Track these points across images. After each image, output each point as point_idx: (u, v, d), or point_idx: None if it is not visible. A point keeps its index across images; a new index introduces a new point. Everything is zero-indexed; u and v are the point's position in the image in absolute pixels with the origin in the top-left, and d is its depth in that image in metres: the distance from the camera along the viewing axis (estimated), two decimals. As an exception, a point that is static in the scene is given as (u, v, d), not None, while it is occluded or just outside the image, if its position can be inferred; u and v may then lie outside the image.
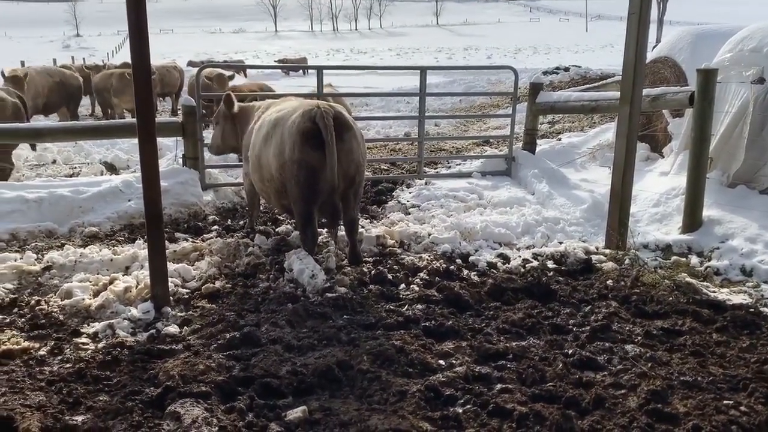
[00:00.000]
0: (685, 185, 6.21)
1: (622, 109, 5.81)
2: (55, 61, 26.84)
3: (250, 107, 6.42)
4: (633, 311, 4.54)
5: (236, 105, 6.39)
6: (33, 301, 4.65)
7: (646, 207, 6.92)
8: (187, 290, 4.96)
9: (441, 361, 3.76)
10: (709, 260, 5.61)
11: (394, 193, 8.23)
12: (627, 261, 5.50)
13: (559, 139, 11.16)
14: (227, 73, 12.74)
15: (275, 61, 39.86)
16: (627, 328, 4.26)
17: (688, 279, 5.06)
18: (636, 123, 5.79)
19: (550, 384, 3.47)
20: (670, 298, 4.68)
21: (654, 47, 10.26)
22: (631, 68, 5.64)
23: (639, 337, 4.10)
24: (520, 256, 5.80)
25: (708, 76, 5.99)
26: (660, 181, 7.44)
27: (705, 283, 5.11)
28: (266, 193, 5.64)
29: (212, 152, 7.07)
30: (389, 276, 5.19)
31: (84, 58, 28.87)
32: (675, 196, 6.79)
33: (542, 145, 9.96)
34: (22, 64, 28.27)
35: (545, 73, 20.63)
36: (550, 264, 5.59)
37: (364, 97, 18.69)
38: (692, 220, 6.12)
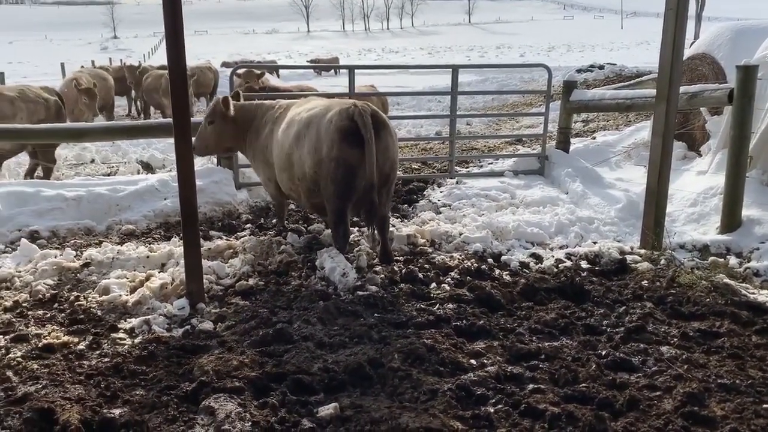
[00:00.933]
0: (723, 184, 6.07)
1: (659, 107, 5.70)
2: (93, 62, 27.42)
3: (254, 108, 6.31)
4: (669, 312, 4.46)
5: (232, 106, 6.17)
6: (72, 297, 4.77)
7: (682, 207, 6.79)
8: (221, 287, 5.03)
9: (472, 361, 3.75)
10: (749, 261, 5.48)
11: (425, 192, 8.22)
12: (663, 261, 5.40)
13: (594, 138, 11.00)
14: (257, 71, 13.08)
15: (308, 61, 40.12)
16: (662, 329, 4.19)
17: (727, 280, 4.95)
18: (673, 121, 5.69)
19: (583, 385, 3.43)
20: (708, 300, 4.58)
21: (692, 44, 10.05)
22: (668, 65, 5.54)
23: (675, 339, 4.02)
24: (553, 256, 5.75)
25: (748, 73, 5.85)
26: (697, 180, 7.28)
27: (744, 285, 4.99)
28: (296, 192, 5.67)
29: (197, 153, 6.30)
30: (420, 275, 5.19)
31: (121, 60, 29.43)
32: (713, 195, 6.65)
33: (576, 143, 9.84)
34: (63, 66, 29.01)
35: (579, 71, 20.42)
36: (584, 264, 5.52)
37: (395, 96, 18.69)
38: (731, 219, 5.98)
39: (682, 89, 6.30)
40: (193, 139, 6.02)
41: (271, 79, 16.01)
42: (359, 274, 5.14)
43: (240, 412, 3.14)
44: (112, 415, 3.13)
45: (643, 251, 5.73)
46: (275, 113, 6.04)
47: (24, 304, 4.63)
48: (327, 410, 3.18)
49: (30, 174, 8.87)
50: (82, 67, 20.63)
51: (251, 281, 5.10)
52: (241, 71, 11.80)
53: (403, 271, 5.27)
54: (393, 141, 5.30)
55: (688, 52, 8.83)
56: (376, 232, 5.65)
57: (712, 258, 5.59)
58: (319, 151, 5.11)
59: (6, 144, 7.93)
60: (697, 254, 5.79)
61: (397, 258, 5.66)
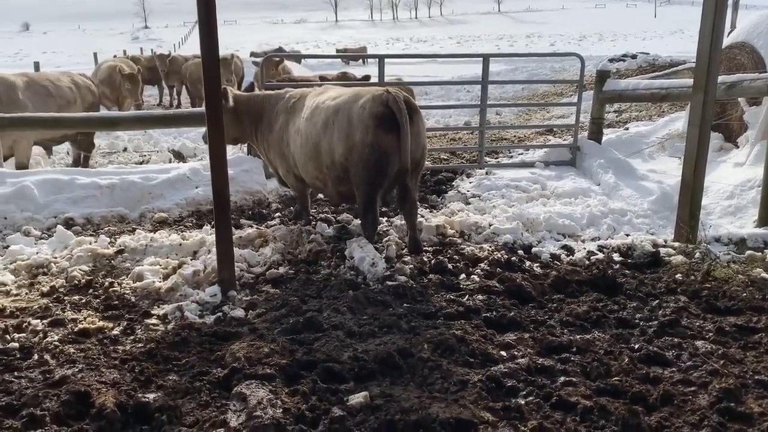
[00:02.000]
0: (761, 177, 5.93)
1: (695, 98, 5.58)
2: (125, 52, 27.78)
3: (261, 100, 6.23)
4: (704, 306, 4.38)
5: (231, 98, 6.06)
6: (107, 283, 4.85)
7: (718, 199, 6.65)
8: (252, 275, 5.07)
9: (503, 352, 3.73)
10: (787, 255, 5.35)
11: (453, 183, 8.17)
12: (697, 255, 5.30)
13: (626, 129, 10.81)
14: (276, 58, 13.28)
15: (336, 51, 40.09)
16: (697, 323, 4.11)
17: (764, 274, 4.84)
18: (710, 112, 5.56)
19: (616, 378, 3.39)
20: (744, 294, 4.49)
21: (729, 32, 9.79)
22: (706, 54, 5.41)
23: (710, 334, 3.95)
24: (584, 248, 5.68)
25: (790, 62, 5.68)
26: (734, 173, 7.12)
27: (782, 280, 4.87)
28: (322, 181, 5.63)
29: (206, 142, 6.54)
30: (449, 266, 5.17)
31: (152, 50, 29.76)
32: (750, 188, 6.50)
33: (608, 134, 9.68)
34: (95, 55, 29.45)
35: (611, 60, 20.07)
36: (616, 257, 5.44)
37: (424, 86, 18.59)
38: (769, 213, 5.84)
39: (720, 79, 6.15)
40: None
41: (294, 69, 16.09)
42: (388, 264, 5.14)
43: (271, 399, 3.16)
44: (147, 399, 3.18)
45: (677, 244, 5.62)
46: (287, 103, 5.98)
47: (60, 290, 4.73)
48: (357, 399, 3.18)
49: (76, 163, 9.05)
50: (115, 56, 20.91)
51: (281, 270, 5.14)
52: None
53: (433, 261, 5.26)
54: (424, 127, 5.39)
55: (726, 42, 8.60)
56: (404, 222, 5.65)
57: (749, 252, 5.47)
58: (352, 138, 5.12)
59: (52, 133, 8.10)
60: (733, 248, 5.67)
61: (426, 248, 5.64)
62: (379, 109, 5.02)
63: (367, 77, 12.80)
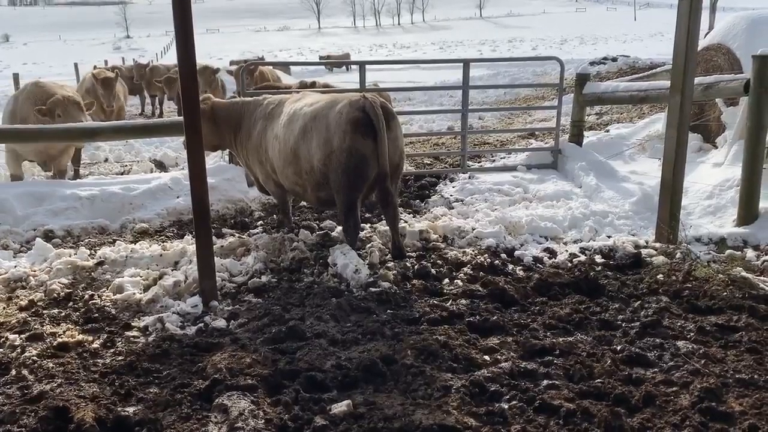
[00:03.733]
0: (740, 176, 6.00)
1: (673, 99, 5.63)
2: (106, 62, 27.58)
3: (240, 107, 6.25)
4: (685, 306, 4.40)
5: (210, 103, 6.20)
6: (87, 296, 4.80)
7: (698, 199, 6.71)
8: (234, 284, 5.04)
9: (486, 357, 3.72)
10: (767, 254, 5.40)
11: (437, 188, 8.18)
12: (678, 255, 5.33)
13: (607, 131, 10.90)
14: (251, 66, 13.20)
15: (319, 58, 40.10)
16: (679, 323, 4.14)
17: (744, 273, 4.88)
18: (687, 113, 5.61)
19: (599, 380, 3.40)
20: (725, 293, 4.52)
21: (706, 34, 9.90)
22: (682, 56, 5.46)
23: (691, 333, 3.97)
24: (567, 251, 5.70)
25: (765, 63, 5.76)
26: (713, 173, 7.19)
27: (762, 278, 4.91)
28: (302, 186, 5.64)
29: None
30: (433, 271, 5.17)
31: (134, 59, 29.60)
32: (729, 187, 6.56)
33: (589, 137, 9.75)
34: (76, 66, 29.20)
35: (592, 63, 20.20)
36: (598, 258, 5.47)
37: (407, 92, 18.63)
38: (748, 212, 5.90)
39: (696, 80, 6.22)
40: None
41: (284, 79, 16.04)
42: (372, 271, 5.13)
43: (253, 410, 3.14)
44: (127, 413, 3.14)
45: (658, 245, 5.66)
46: (266, 109, 5.99)
47: (39, 303, 4.66)
48: (340, 407, 3.16)
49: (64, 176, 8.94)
50: (95, 67, 20.76)
51: (264, 278, 5.11)
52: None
53: (416, 267, 5.25)
54: (401, 132, 5.49)
55: (702, 43, 8.70)
56: (387, 227, 5.66)
57: (729, 251, 5.52)
58: (330, 143, 5.15)
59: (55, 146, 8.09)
60: (713, 247, 5.72)
61: (410, 254, 5.64)
62: (356, 114, 5.08)
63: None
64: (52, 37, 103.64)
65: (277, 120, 5.76)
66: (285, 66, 25.08)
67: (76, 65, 29.73)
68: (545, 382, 3.41)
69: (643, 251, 5.48)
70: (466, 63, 8.53)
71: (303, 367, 3.56)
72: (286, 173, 5.67)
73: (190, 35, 4.26)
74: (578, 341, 3.90)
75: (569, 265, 5.32)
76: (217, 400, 3.24)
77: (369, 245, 5.73)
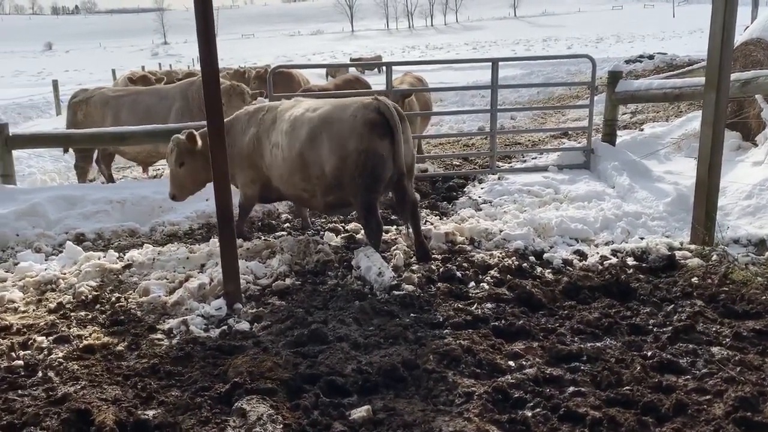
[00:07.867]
0: (780, 175, 5.76)
1: (708, 96, 5.44)
2: (143, 68, 28.14)
3: (228, 124, 5.64)
4: (721, 311, 4.23)
5: (199, 139, 5.87)
6: (113, 298, 4.85)
7: (736, 199, 6.47)
8: (259, 287, 5.03)
9: (510, 362, 3.63)
10: (809, 256, 5.18)
11: (465, 189, 8.07)
12: (714, 257, 5.14)
13: (642, 130, 10.62)
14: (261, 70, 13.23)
15: (350, 60, 40.22)
16: (713, 329, 3.98)
17: (785, 276, 4.68)
18: (723, 109, 5.41)
19: (627, 388, 3.28)
20: (764, 297, 4.33)
21: (745, 29, 9.59)
22: (717, 51, 5.27)
23: (727, 339, 3.81)
24: (597, 253, 5.56)
25: (806, 57, 5.53)
26: (753, 172, 6.93)
27: (803, 281, 4.71)
28: (309, 192, 5.55)
29: (179, 199, 6.28)
30: (458, 274, 5.08)
31: (170, 65, 30.15)
32: (769, 187, 6.32)
33: (623, 136, 9.51)
34: (114, 72, 29.88)
35: (628, 61, 19.79)
36: (630, 261, 5.31)
37: (437, 93, 18.50)
38: (789, 212, 5.67)
39: (734, 76, 6.01)
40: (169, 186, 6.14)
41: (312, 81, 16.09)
42: (396, 273, 5.07)
43: (272, 415, 3.11)
44: (147, 417, 3.15)
45: (693, 247, 5.48)
46: (257, 116, 5.88)
47: (67, 306, 4.73)
48: (359, 413, 3.12)
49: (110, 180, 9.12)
50: (131, 71, 21.19)
51: (288, 281, 5.09)
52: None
53: (441, 269, 5.18)
54: (410, 133, 5.57)
55: (741, 38, 8.43)
56: (410, 228, 5.60)
57: (768, 253, 5.31)
58: (345, 147, 5.13)
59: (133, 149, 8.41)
60: (752, 249, 5.51)
61: (435, 256, 5.56)
62: (372, 115, 5.10)
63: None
64: (92, 45, 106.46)
65: (274, 128, 5.66)
66: (307, 68, 25.23)
67: (113, 71, 30.43)
68: (571, 388, 3.31)
69: (678, 253, 5.30)
70: (494, 62, 8.41)
71: (324, 371, 3.53)
72: (293, 181, 5.58)
73: (212, 38, 4.27)
74: (607, 347, 3.78)
75: (600, 267, 5.18)
76: (236, 404, 3.22)
77: (393, 248, 5.67)
